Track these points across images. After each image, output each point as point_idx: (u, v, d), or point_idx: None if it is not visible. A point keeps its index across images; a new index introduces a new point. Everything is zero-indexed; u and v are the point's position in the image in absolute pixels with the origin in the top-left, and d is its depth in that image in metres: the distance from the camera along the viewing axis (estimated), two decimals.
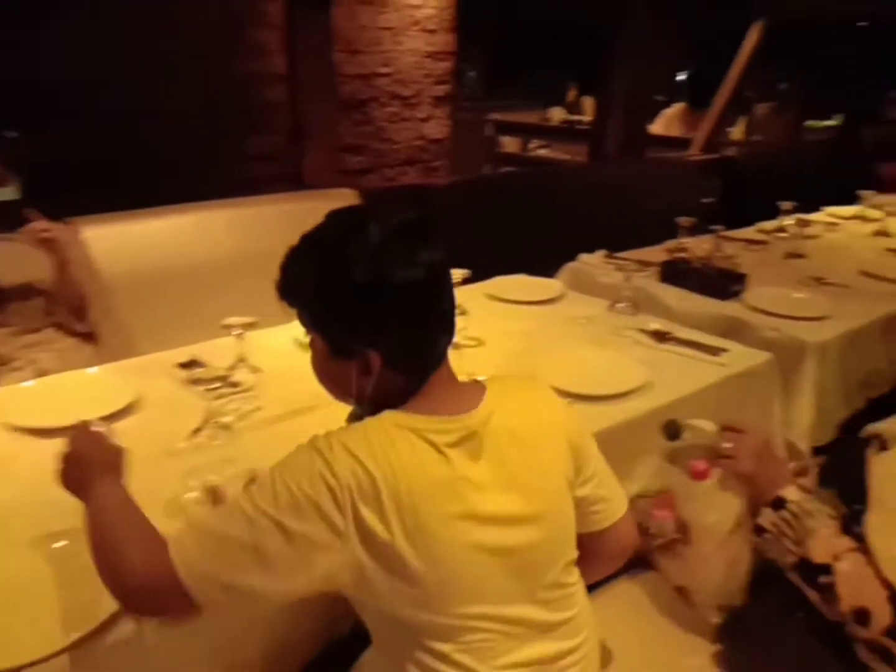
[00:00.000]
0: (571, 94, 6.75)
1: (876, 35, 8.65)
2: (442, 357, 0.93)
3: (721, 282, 2.13)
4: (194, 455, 1.22)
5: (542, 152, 6.87)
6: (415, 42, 4.10)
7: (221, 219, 2.39)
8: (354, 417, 0.96)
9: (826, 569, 0.96)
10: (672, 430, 1.15)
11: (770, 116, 5.80)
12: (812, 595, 0.98)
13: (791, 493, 1.05)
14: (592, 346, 1.74)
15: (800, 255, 2.50)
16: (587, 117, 6.22)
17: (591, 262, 2.47)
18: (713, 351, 1.72)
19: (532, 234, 3.04)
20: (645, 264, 2.38)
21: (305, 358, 1.00)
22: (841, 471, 1.12)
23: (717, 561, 1.12)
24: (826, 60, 6.38)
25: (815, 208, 3.32)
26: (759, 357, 1.70)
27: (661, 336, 1.81)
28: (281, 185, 3.47)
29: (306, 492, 0.80)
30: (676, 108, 6.73)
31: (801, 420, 1.82)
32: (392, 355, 0.88)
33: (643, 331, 1.83)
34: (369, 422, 0.88)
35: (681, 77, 11.50)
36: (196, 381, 1.25)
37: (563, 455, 0.96)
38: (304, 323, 0.94)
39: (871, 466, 1.03)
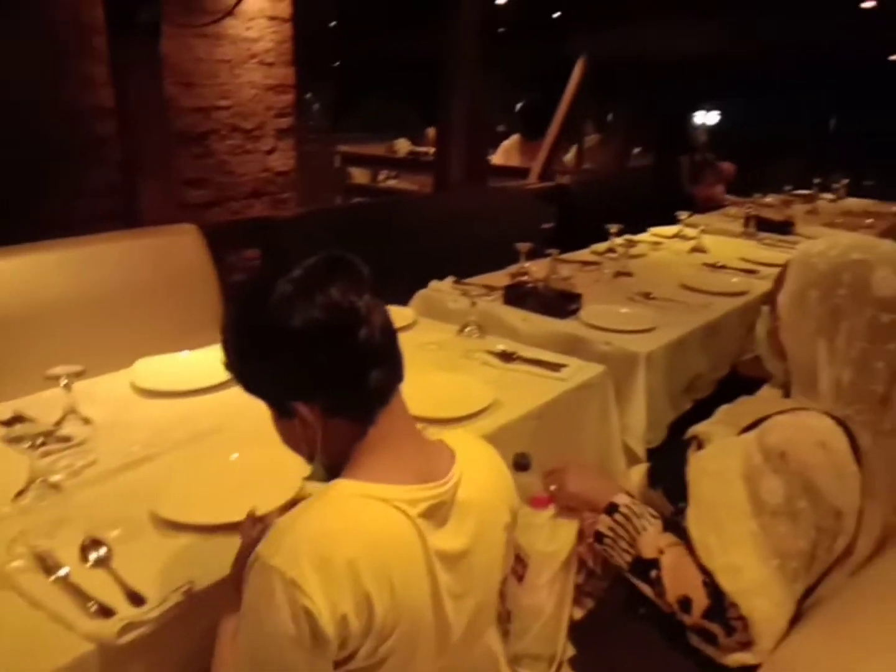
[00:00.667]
0: (430, 134, 6.93)
1: (674, 70, 9.61)
2: (386, 393, 0.90)
3: (559, 302, 2.26)
4: (20, 520, 1.13)
5: (392, 183, 7.00)
6: (253, 75, 4.06)
7: (50, 261, 2.22)
8: (317, 475, 0.92)
9: (655, 563, 1.05)
10: (522, 462, 1.19)
11: (598, 146, 6.27)
12: (646, 590, 1.07)
13: (621, 498, 1.13)
14: (443, 370, 1.79)
15: (628, 274, 2.71)
16: (428, 147, 6.43)
17: (441, 289, 2.54)
18: (555, 367, 1.82)
19: (384, 263, 3.03)
20: (490, 289, 2.49)
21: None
22: (667, 471, 1.22)
23: (548, 596, 1.16)
24: (645, 92, 7.01)
25: (642, 229, 3.62)
26: (594, 370, 1.83)
27: (507, 356, 1.89)
28: (115, 222, 3.30)
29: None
30: (513, 139, 7.11)
31: (636, 424, 1.97)
32: (326, 403, 0.87)
33: (491, 352, 1.91)
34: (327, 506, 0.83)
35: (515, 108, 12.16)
36: (18, 439, 1.15)
37: (507, 527, 0.99)
38: (249, 392, 0.92)
39: (689, 465, 1.14)
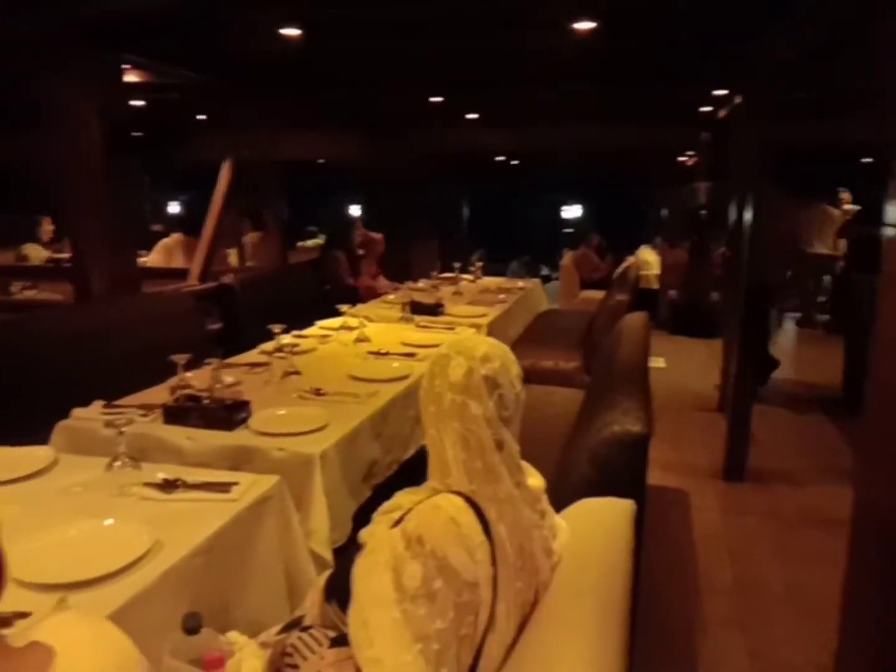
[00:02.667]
0: (46, 225, 6.26)
1: (336, 172, 10.31)
2: None
3: (225, 413, 2.15)
4: None
5: (30, 294, 6.16)
6: None
7: None
8: None
9: None
10: (191, 625, 1.06)
11: (259, 243, 6.33)
12: None
13: (291, 638, 1.08)
14: (89, 517, 1.55)
15: (297, 372, 2.69)
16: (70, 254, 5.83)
17: (88, 417, 2.24)
18: (224, 488, 1.70)
19: (19, 393, 2.64)
20: (149, 407, 2.28)
21: None
22: (340, 581, 1.19)
23: None
24: (299, 189, 7.33)
25: (310, 323, 3.68)
26: (267, 482, 1.75)
27: (170, 485, 1.72)
28: None
29: None
30: (174, 237, 6.82)
31: (320, 528, 1.93)
32: None
33: (150, 484, 1.72)
34: None
35: (173, 208, 11.82)
36: None
37: None
38: None
39: (354, 568, 1.13)
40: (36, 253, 6.06)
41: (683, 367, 6.05)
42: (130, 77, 4.14)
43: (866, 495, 1.61)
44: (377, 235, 6.08)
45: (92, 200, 3.43)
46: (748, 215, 3.68)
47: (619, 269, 5.18)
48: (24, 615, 1.19)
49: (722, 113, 6.38)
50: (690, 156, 9.28)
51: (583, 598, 1.11)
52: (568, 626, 1.08)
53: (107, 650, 0.83)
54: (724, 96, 5.81)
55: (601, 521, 1.35)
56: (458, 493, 1.11)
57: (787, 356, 6.80)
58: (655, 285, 8.05)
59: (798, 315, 7.77)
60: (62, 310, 3.93)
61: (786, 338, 7.36)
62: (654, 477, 3.62)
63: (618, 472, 1.62)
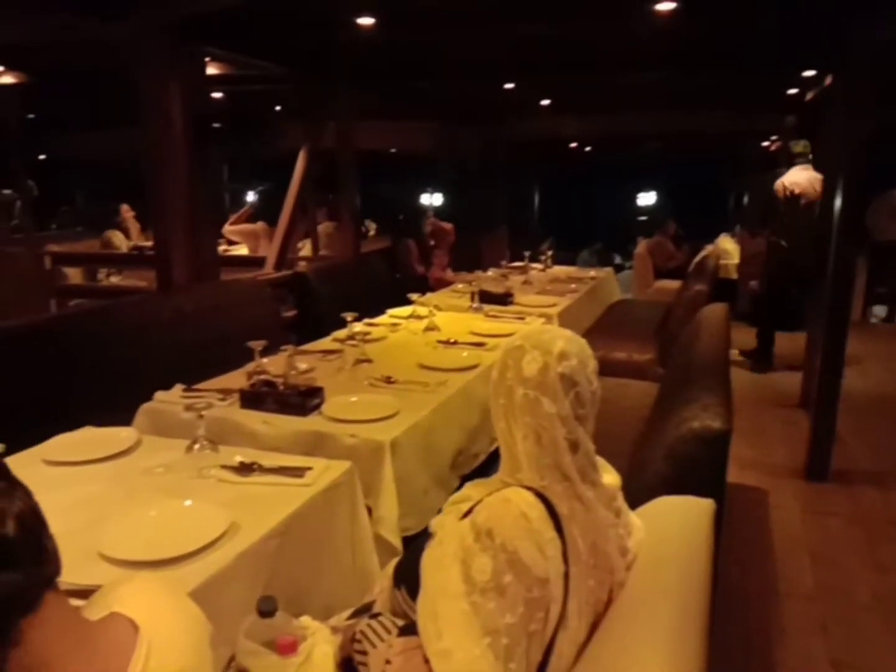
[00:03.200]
0: (125, 212, 6.53)
1: (409, 162, 10.34)
2: (30, 600, 0.70)
3: (299, 399, 2.19)
4: None
5: (115, 280, 6.45)
6: None
7: None
8: None
9: None
10: (267, 609, 1.07)
11: (332, 232, 6.42)
12: None
13: (360, 624, 1.08)
14: (170, 497, 1.60)
15: (368, 360, 2.72)
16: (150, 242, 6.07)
17: (169, 400, 2.33)
18: (298, 472, 1.73)
19: (102, 376, 2.77)
20: (227, 392, 2.35)
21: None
22: (409, 568, 1.19)
23: None
24: (371, 179, 7.41)
25: (380, 311, 3.71)
26: (340, 468, 1.77)
27: (246, 468, 1.76)
28: None
29: None
30: (258, 224, 7.02)
31: (389, 514, 1.94)
32: None
33: (226, 466, 1.76)
34: None
35: (251, 197, 12.14)
36: None
37: None
38: None
39: (423, 558, 1.13)
40: (118, 240, 6.32)
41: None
42: (211, 69, 4.25)
43: None
44: (447, 225, 6.09)
45: (175, 190, 3.55)
46: (837, 202, 3.48)
47: (697, 259, 5.01)
48: None
49: (810, 95, 6.07)
50: (773, 140, 8.88)
51: (660, 598, 1.07)
52: (644, 626, 1.04)
53: (187, 623, 0.85)
54: (812, 77, 5.51)
55: (679, 520, 1.30)
56: (529, 488, 1.09)
57: (875, 353, 6.44)
58: (734, 275, 7.75)
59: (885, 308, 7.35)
60: (146, 297, 4.09)
61: (872, 333, 6.97)
62: (732, 475, 3.48)
63: (696, 469, 1.56)
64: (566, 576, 1.04)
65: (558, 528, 1.05)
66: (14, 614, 0.69)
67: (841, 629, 2.42)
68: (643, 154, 11.97)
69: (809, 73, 5.37)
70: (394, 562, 1.47)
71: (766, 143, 9.46)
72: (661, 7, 3.61)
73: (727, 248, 8.45)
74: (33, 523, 0.72)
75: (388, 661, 1.01)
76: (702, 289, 3.84)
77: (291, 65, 4.58)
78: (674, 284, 6.90)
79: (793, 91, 6.31)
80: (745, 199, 8.15)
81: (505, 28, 4.11)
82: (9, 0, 3.19)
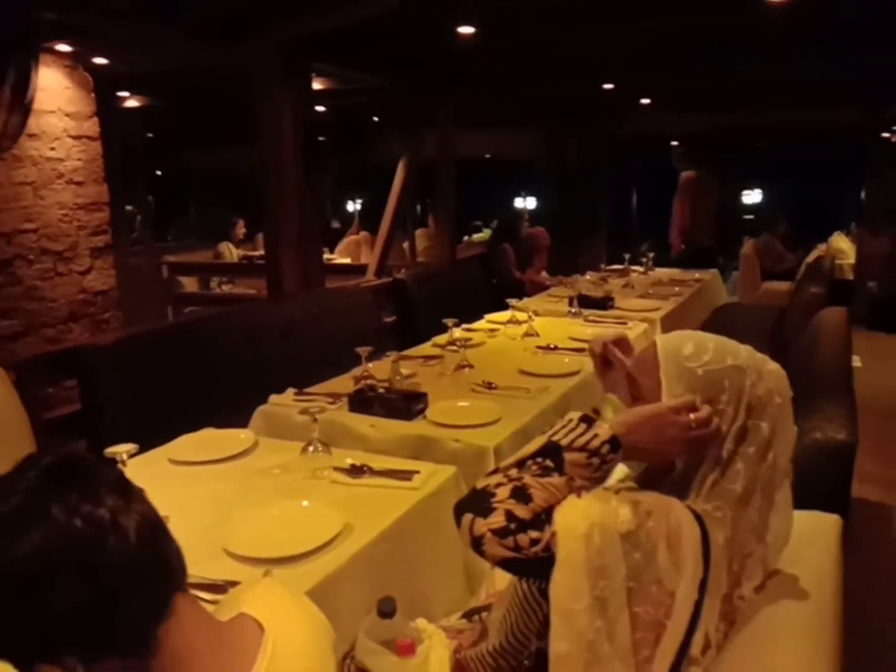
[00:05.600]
0: (240, 228, 6.87)
1: (504, 167, 10.38)
2: (160, 609, 0.74)
3: (404, 404, 2.24)
4: None
5: (226, 288, 6.82)
6: (61, 195, 3.84)
7: None
8: None
9: None
10: (386, 609, 1.11)
11: (429, 238, 6.53)
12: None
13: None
14: (285, 498, 1.67)
15: (469, 366, 2.74)
16: (262, 251, 6.36)
17: (283, 403, 2.43)
18: (406, 476, 1.77)
19: (219, 379, 2.93)
20: (336, 396, 2.43)
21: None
22: None
23: None
24: (466, 184, 7.48)
25: (478, 316, 3.74)
26: (446, 472, 1.80)
27: (357, 471, 1.82)
28: None
29: None
30: (362, 234, 7.24)
31: None
32: (83, 652, 0.69)
33: (339, 469, 1.83)
34: None
35: (352, 206, 12.50)
36: None
37: None
38: None
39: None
40: (228, 250, 6.67)
41: (885, 367, 5.43)
42: (316, 84, 4.43)
43: None
44: (539, 230, 6.05)
45: (286, 201, 3.72)
46: None
47: (811, 258, 4.75)
48: (234, 584, 1.32)
49: None
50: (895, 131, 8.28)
51: (789, 622, 1.02)
52: (768, 649, 1.00)
53: (308, 620, 0.89)
54: None
55: (804, 536, 1.24)
56: (690, 508, 1.06)
57: None
58: (850, 276, 7.30)
59: None
60: (259, 304, 4.30)
61: None
62: (854, 490, 3.29)
63: (819, 483, 1.49)
64: (696, 604, 1.01)
65: (706, 554, 1.02)
66: (150, 625, 0.73)
67: None
68: (748, 151, 11.46)
69: None
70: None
71: (886, 135, 8.83)
72: None
73: (842, 247, 7.95)
74: (153, 533, 0.75)
75: None
76: (818, 291, 3.65)
77: (392, 75, 4.69)
78: (783, 287, 6.57)
79: None
80: (863, 196, 7.64)
81: (603, 23, 4.05)
82: (136, 33, 3.45)
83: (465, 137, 6.79)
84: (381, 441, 2.14)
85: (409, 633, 1.10)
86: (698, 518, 1.05)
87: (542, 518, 1.01)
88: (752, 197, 10.92)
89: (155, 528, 0.76)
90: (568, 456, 1.05)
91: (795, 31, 4.23)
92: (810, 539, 1.24)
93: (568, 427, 1.09)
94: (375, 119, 7.95)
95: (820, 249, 5.74)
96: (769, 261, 7.38)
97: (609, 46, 4.56)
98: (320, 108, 6.38)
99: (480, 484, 1.08)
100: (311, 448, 1.85)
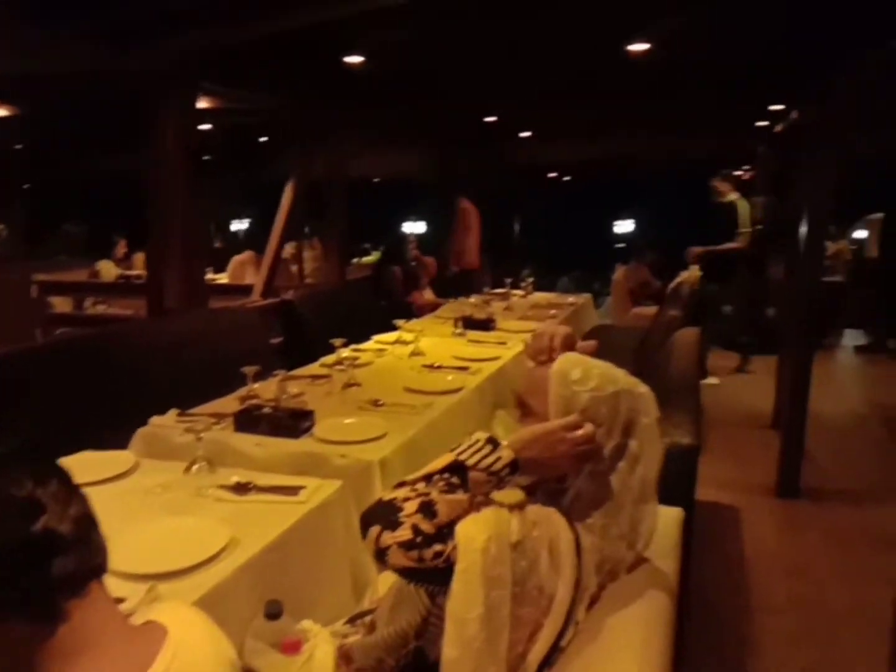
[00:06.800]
0: (121, 248, 6.61)
1: (394, 190, 10.55)
2: (78, 583, 0.82)
3: (291, 422, 2.28)
4: None
5: (101, 309, 6.51)
6: None
7: None
8: None
9: None
10: (273, 611, 1.16)
11: (319, 260, 6.54)
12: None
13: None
14: (172, 514, 1.68)
15: (357, 384, 2.81)
16: (140, 270, 6.14)
17: (165, 424, 2.40)
18: (292, 491, 1.82)
19: (97, 402, 2.84)
20: (220, 416, 2.42)
21: None
22: None
23: None
24: (354, 206, 7.56)
25: (366, 337, 3.81)
26: (331, 487, 1.86)
27: (242, 488, 1.84)
28: None
29: None
30: (247, 254, 7.11)
31: None
32: None
33: (224, 486, 1.85)
34: None
35: (237, 226, 12.24)
36: None
37: None
38: None
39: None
40: (107, 269, 6.39)
41: (738, 383, 5.97)
42: (202, 103, 4.38)
43: None
44: (429, 259, 6.24)
45: (170, 218, 3.65)
46: (803, 229, 3.66)
47: (672, 285, 5.17)
48: (120, 601, 1.32)
49: (779, 127, 6.32)
50: (747, 170, 9.15)
51: (628, 606, 1.16)
52: (611, 635, 1.12)
53: (211, 633, 0.95)
54: (780, 111, 5.76)
55: None
56: (561, 514, 1.18)
57: (849, 376, 6.63)
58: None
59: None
60: (140, 323, 4.16)
61: (844, 356, 7.17)
62: (708, 493, 3.62)
63: (667, 483, 1.67)
64: (572, 602, 1.12)
65: (578, 554, 1.14)
66: (64, 594, 0.80)
67: (812, 641, 2.53)
68: (623, 182, 12.27)
69: (776, 107, 5.61)
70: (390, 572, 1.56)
71: (738, 172, 9.73)
72: (634, 48, 3.80)
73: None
74: (87, 524, 0.85)
75: None
76: (676, 314, 3.99)
77: (281, 96, 4.72)
78: (651, 310, 7.07)
79: (762, 123, 6.57)
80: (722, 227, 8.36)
81: (482, 62, 4.29)
82: (18, 34, 3.28)
83: (356, 159, 6.90)
84: (267, 459, 2.17)
85: (295, 633, 1.15)
86: (571, 524, 1.18)
87: (445, 532, 1.10)
88: (623, 227, 11.67)
89: (89, 519, 0.86)
90: (472, 475, 1.16)
91: (658, 73, 4.65)
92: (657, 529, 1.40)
93: (475, 447, 1.20)
94: (263, 139, 7.90)
95: (682, 276, 6.24)
96: (637, 286, 7.91)
97: (489, 82, 4.82)
98: (206, 127, 6.29)
99: (388, 496, 1.16)
100: (194, 467, 1.86)
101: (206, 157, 4.17)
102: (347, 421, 2.37)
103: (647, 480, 1.25)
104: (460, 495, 1.14)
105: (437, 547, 1.08)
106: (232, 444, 2.23)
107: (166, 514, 1.70)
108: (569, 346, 1.34)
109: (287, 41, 3.53)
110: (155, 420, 2.42)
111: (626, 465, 1.23)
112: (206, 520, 1.63)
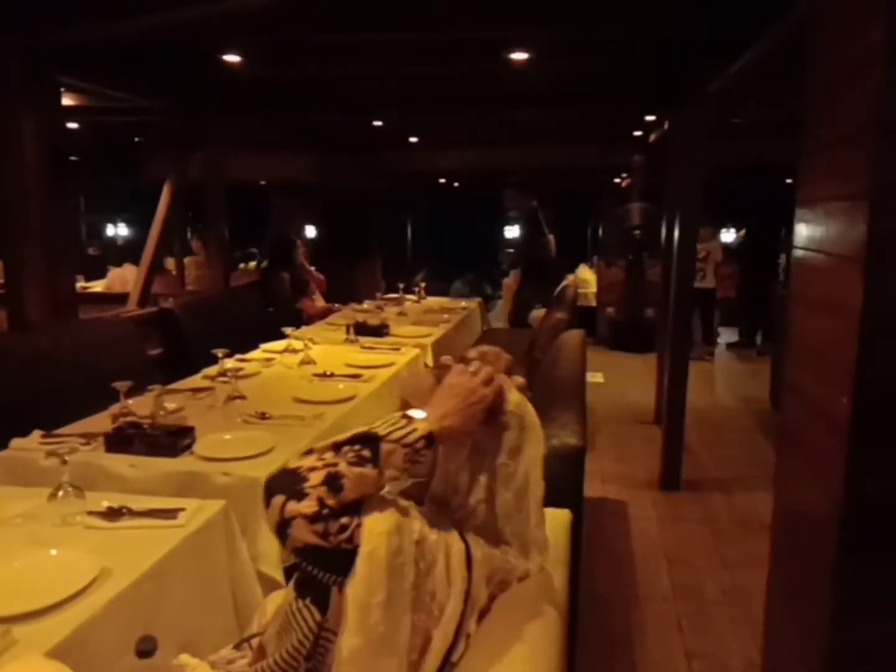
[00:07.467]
0: None
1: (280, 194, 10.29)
2: None
3: (168, 440, 2.15)
4: None
5: None
6: None
7: None
8: None
9: None
10: (145, 648, 1.06)
11: (200, 266, 6.26)
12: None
13: None
14: (33, 546, 1.53)
15: (241, 396, 2.69)
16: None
17: (27, 447, 2.21)
18: (170, 514, 1.71)
19: None
20: (90, 436, 2.25)
21: None
22: (312, 581, 1.19)
23: None
24: (238, 210, 7.30)
25: (254, 346, 3.67)
26: (213, 507, 1.76)
27: (115, 513, 1.72)
28: None
29: None
30: (126, 267, 6.70)
31: (269, 550, 1.95)
32: None
33: (94, 512, 1.71)
34: None
35: (112, 231, 11.55)
36: None
37: None
38: None
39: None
40: None
41: (622, 381, 6.24)
42: (69, 100, 4.09)
43: (782, 500, 1.73)
44: (319, 276, 6.11)
45: (29, 225, 3.37)
46: (676, 234, 3.87)
47: (558, 288, 5.33)
48: None
49: (653, 136, 6.67)
50: (624, 177, 9.62)
51: (518, 607, 1.16)
52: (502, 648, 1.12)
53: None
54: (653, 121, 6.08)
55: None
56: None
57: (722, 372, 7.09)
58: (594, 303, 8.29)
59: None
60: None
61: (718, 352, 7.66)
62: (595, 488, 3.75)
63: (555, 483, 1.70)
64: (462, 615, 1.11)
65: (469, 568, 1.13)
66: None
67: (693, 624, 2.66)
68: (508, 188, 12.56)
69: (650, 117, 5.92)
70: (278, 592, 1.49)
71: (617, 180, 10.22)
72: (515, 56, 3.89)
73: (586, 277, 9.02)
74: None
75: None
76: (562, 317, 4.11)
77: (156, 95, 4.48)
78: (542, 313, 7.28)
79: (638, 133, 6.91)
80: (601, 232, 8.75)
81: (368, 68, 4.26)
82: None
83: (237, 161, 6.66)
84: (142, 481, 2.03)
85: (170, 670, 1.07)
86: (462, 536, 1.16)
87: (351, 508, 1.05)
88: (512, 232, 11.98)
89: None
90: (385, 447, 1.09)
91: (539, 82, 4.78)
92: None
93: (389, 421, 1.14)
94: (137, 139, 7.49)
95: (568, 280, 6.46)
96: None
97: (374, 87, 4.79)
98: (73, 125, 5.89)
99: (293, 464, 1.09)
100: (60, 493, 1.71)
101: (73, 158, 3.88)
102: (231, 436, 2.26)
103: (533, 488, 1.25)
104: (369, 469, 1.08)
105: (344, 520, 1.04)
106: (103, 466, 2.08)
107: (28, 546, 1.55)
108: (507, 373, 1.35)
109: (156, 38, 3.35)
110: (15, 442, 2.22)
111: (513, 479, 1.23)
112: (72, 551, 1.50)
